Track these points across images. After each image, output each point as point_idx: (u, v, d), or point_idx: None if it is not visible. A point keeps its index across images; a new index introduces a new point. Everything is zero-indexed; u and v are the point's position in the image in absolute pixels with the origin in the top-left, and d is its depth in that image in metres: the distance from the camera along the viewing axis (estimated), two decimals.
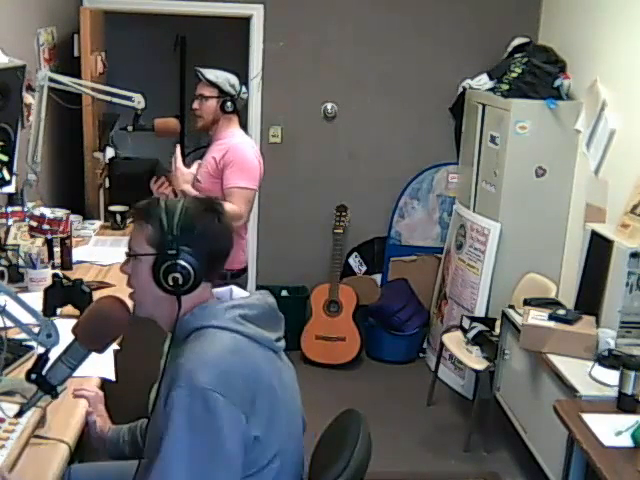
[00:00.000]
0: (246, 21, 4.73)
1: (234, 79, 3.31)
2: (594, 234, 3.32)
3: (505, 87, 4.14)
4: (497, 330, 3.71)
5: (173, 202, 1.66)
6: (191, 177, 3.26)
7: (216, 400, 1.47)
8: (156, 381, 1.65)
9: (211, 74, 3.28)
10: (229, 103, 3.26)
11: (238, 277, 3.33)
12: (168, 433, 1.48)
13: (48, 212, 3.10)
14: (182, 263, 1.59)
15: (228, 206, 3.17)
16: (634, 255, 3.02)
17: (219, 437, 1.48)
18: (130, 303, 1.71)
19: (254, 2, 4.62)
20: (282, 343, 1.72)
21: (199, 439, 1.48)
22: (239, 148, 3.25)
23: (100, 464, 2.08)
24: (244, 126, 4.27)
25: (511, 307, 3.61)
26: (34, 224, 3.04)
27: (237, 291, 1.76)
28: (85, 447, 2.64)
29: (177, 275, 1.59)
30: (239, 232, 3.32)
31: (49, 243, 3.06)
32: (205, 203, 1.68)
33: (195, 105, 3.32)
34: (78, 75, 3.82)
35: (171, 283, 1.60)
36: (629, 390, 2.57)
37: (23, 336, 1.77)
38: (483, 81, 4.47)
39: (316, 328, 4.60)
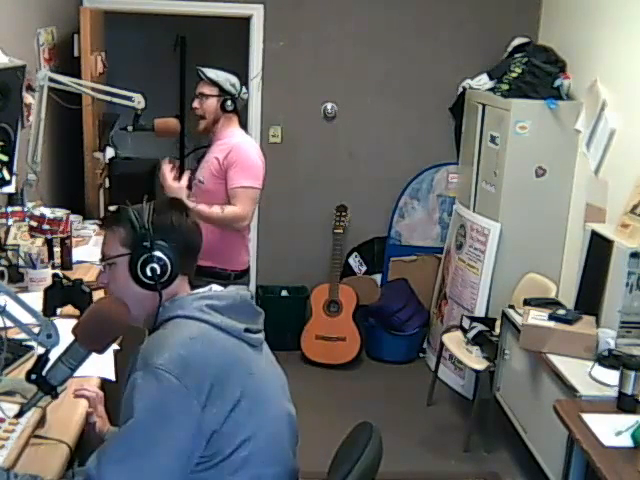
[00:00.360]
0: (246, 21, 4.73)
1: (234, 79, 3.31)
2: (594, 234, 3.32)
3: (505, 87, 4.14)
4: (497, 330, 3.71)
5: (139, 205, 1.70)
6: (183, 191, 3.15)
7: (169, 381, 1.48)
8: None
9: (212, 73, 3.28)
10: (229, 102, 3.26)
11: (241, 278, 3.32)
12: (125, 412, 1.51)
13: (48, 212, 3.10)
14: (158, 254, 1.63)
15: (230, 209, 3.17)
16: (634, 255, 3.02)
17: (168, 420, 1.49)
18: None
19: (254, 2, 4.62)
20: (258, 336, 1.71)
21: (151, 418, 1.48)
22: (242, 147, 3.24)
23: None
24: (244, 126, 4.27)
25: (511, 307, 3.61)
26: (34, 224, 3.04)
27: (215, 287, 1.78)
28: (85, 447, 2.64)
29: (154, 265, 1.62)
30: (242, 233, 3.32)
31: (49, 243, 3.05)
32: (169, 202, 1.77)
33: (195, 104, 3.31)
34: (78, 75, 3.82)
35: (149, 274, 1.62)
36: (629, 390, 2.57)
37: (23, 336, 1.77)
38: (483, 81, 4.47)
39: (316, 328, 4.60)
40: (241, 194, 3.17)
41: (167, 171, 3.18)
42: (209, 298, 1.66)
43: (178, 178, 3.19)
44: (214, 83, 3.26)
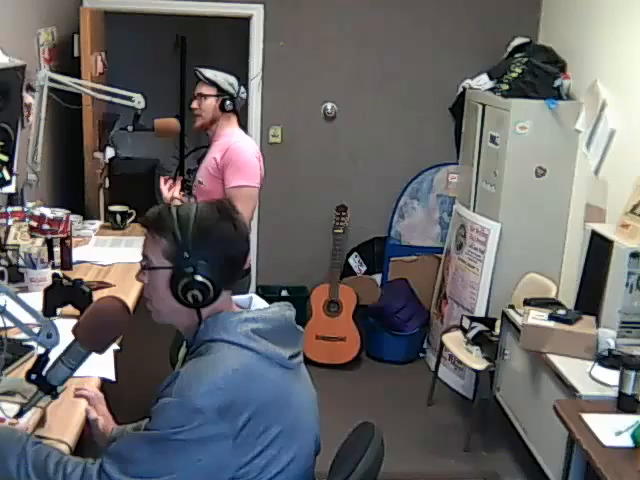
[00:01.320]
0: (246, 21, 4.73)
1: (232, 78, 3.32)
2: (594, 234, 3.32)
3: (505, 87, 4.14)
4: (497, 330, 3.71)
5: (185, 211, 1.60)
6: (178, 202, 3.21)
7: (203, 417, 1.44)
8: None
9: (210, 73, 3.29)
10: (228, 102, 3.26)
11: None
12: (153, 428, 1.47)
13: (48, 212, 3.10)
14: (200, 279, 1.55)
15: None
16: (634, 255, 3.02)
17: (195, 452, 1.45)
18: (130, 304, 1.70)
19: (254, 2, 4.62)
20: (299, 359, 1.67)
21: (173, 450, 1.45)
22: (237, 147, 3.25)
23: None
24: (244, 126, 4.27)
25: (511, 307, 3.61)
26: (34, 224, 3.04)
27: (256, 300, 1.72)
28: (85, 447, 2.64)
29: (196, 292, 1.56)
30: None
31: (49, 243, 3.05)
32: (219, 209, 1.62)
33: (194, 104, 3.32)
34: (78, 75, 3.82)
35: (191, 300, 1.57)
36: (629, 390, 2.57)
37: (23, 336, 1.76)
38: (483, 81, 4.47)
39: (316, 328, 4.60)
40: (237, 194, 3.17)
41: (162, 186, 3.28)
42: (254, 321, 1.59)
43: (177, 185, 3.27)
44: (212, 83, 3.26)
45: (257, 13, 4.63)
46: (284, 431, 1.54)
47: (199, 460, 1.45)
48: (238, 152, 3.22)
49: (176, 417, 1.45)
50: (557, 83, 4.06)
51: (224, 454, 1.47)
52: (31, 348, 2.13)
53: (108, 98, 3.52)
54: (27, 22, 3.54)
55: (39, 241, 3.01)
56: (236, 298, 1.71)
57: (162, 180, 3.34)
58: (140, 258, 1.65)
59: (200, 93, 3.29)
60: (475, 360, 3.69)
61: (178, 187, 3.31)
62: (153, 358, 3.56)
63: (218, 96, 3.27)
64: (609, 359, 2.89)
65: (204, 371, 1.50)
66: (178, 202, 3.18)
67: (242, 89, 3.35)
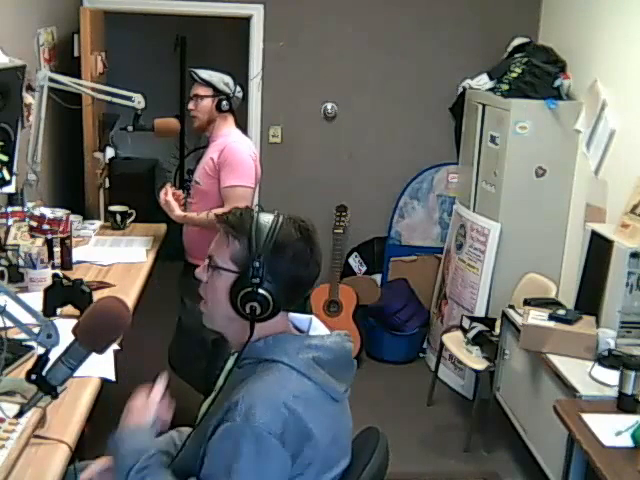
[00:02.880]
0: (246, 21, 4.73)
1: (228, 78, 3.32)
2: (594, 234, 3.32)
3: (505, 87, 4.14)
4: (497, 330, 3.71)
5: (266, 219, 1.56)
6: (171, 205, 3.27)
7: (269, 443, 1.42)
8: (209, 395, 1.62)
9: (205, 73, 3.29)
10: (224, 102, 3.27)
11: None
12: (214, 463, 1.45)
13: (48, 212, 3.10)
14: (263, 293, 1.51)
15: (218, 212, 3.16)
16: (634, 255, 3.02)
17: (264, 477, 1.43)
18: (131, 304, 1.70)
19: (254, 2, 4.62)
20: (348, 392, 1.65)
21: (244, 476, 1.43)
22: (233, 147, 3.25)
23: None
24: (244, 126, 4.27)
25: (511, 307, 3.61)
26: (34, 224, 3.04)
27: (316, 324, 1.68)
28: (85, 447, 2.64)
29: (255, 305, 1.52)
30: None
31: (49, 243, 3.05)
32: (300, 228, 1.57)
33: (190, 106, 3.33)
34: (78, 75, 3.82)
35: (247, 311, 1.53)
36: (629, 390, 2.57)
37: (23, 336, 1.76)
38: (483, 81, 4.47)
39: None
40: (231, 194, 3.18)
41: (162, 195, 3.32)
42: (316, 349, 1.56)
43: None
44: (208, 84, 3.27)
45: (257, 13, 4.63)
46: (329, 463, 1.54)
47: None
48: (234, 152, 3.23)
49: (243, 443, 1.42)
50: (557, 83, 4.06)
51: (286, 476, 1.46)
52: (31, 348, 2.13)
53: (108, 98, 3.52)
54: (27, 22, 3.54)
55: (39, 241, 3.01)
56: (293, 316, 1.68)
57: (162, 194, 3.34)
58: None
59: (196, 94, 3.29)
60: (475, 360, 3.69)
61: (170, 195, 3.32)
62: (153, 358, 3.56)
63: (214, 96, 3.27)
64: (609, 359, 2.89)
65: (268, 395, 1.47)
66: (175, 206, 3.22)
67: (238, 88, 3.35)
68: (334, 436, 1.55)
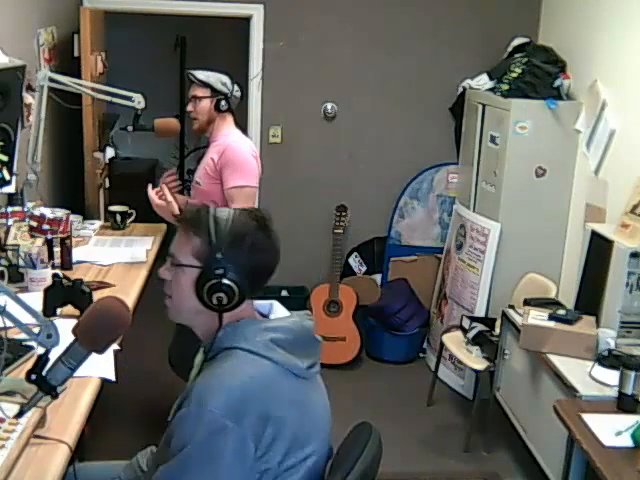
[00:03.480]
0: (246, 21, 4.73)
1: (225, 78, 3.31)
2: (594, 234, 3.32)
3: (505, 87, 4.14)
4: (497, 330, 3.71)
5: (223, 213, 1.61)
6: (172, 206, 3.18)
7: (223, 426, 1.44)
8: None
9: (202, 74, 3.28)
10: (223, 102, 3.27)
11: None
12: (171, 450, 1.48)
13: (48, 212, 3.10)
14: (227, 282, 1.56)
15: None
16: (634, 255, 3.02)
17: (218, 463, 1.44)
18: (131, 304, 1.70)
19: (254, 2, 4.62)
20: (316, 369, 1.67)
21: (199, 460, 1.45)
22: (234, 147, 3.24)
23: (104, 463, 2.07)
24: (244, 126, 4.27)
25: (511, 307, 3.61)
26: (34, 224, 3.04)
27: (276, 307, 1.72)
28: (85, 447, 2.64)
29: (221, 295, 1.56)
30: None
31: (49, 243, 3.05)
32: (256, 217, 1.63)
33: (189, 107, 3.32)
34: (78, 75, 3.82)
35: (215, 302, 1.57)
36: (629, 390, 2.57)
37: (23, 336, 1.76)
38: (483, 81, 4.47)
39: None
40: (237, 194, 3.17)
41: (151, 194, 3.21)
42: (274, 331, 1.59)
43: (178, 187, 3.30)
44: (205, 84, 3.26)
45: (257, 13, 4.63)
46: (300, 440, 1.55)
47: (224, 469, 1.44)
48: (235, 152, 3.22)
49: (196, 428, 1.45)
50: (557, 83, 4.06)
51: (247, 460, 1.46)
52: (31, 348, 2.13)
53: (108, 98, 3.52)
54: (27, 22, 3.54)
55: (39, 241, 3.01)
56: (256, 303, 1.71)
57: (150, 191, 3.24)
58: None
59: (194, 95, 3.29)
60: (475, 360, 3.69)
61: (169, 196, 3.28)
62: (153, 358, 3.56)
63: (212, 97, 3.27)
64: (609, 359, 2.89)
65: (221, 379, 1.51)
66: (174, 207, 3.19)
67: (236, 87, 3.34)
68: (301, 413, 1.57)
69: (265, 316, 1.71)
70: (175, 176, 3.40)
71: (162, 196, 3.20)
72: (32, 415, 1.77)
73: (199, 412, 1.46)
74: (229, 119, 3.34)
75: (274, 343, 1.57)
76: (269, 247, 1.63)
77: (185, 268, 1.60)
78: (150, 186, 3.26)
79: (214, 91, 3.26)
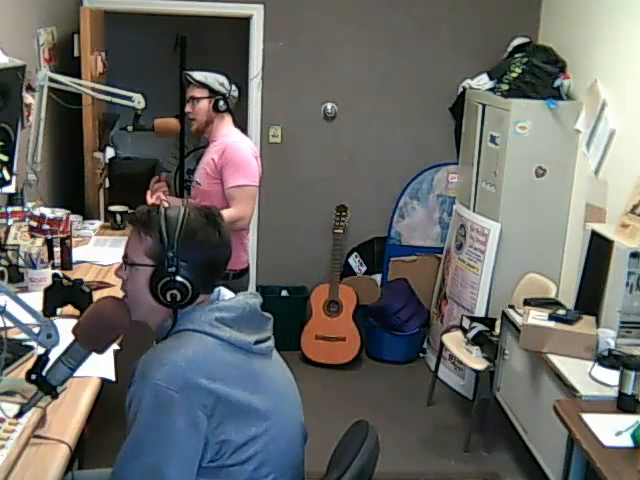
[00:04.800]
0: (246, 21, 4.73)
1: (222, 78, 3.31)
2: (594, 234, 3.32)
3: (505, 87, 4.14)
4: (497, 330, 3.71)
5: (174, 213, 1.64)
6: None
7: (169, 396, 1.47)
8: None
9: (199, 75, 3.29)
10: (221, 102, 3.27)
11: (240, 277, 3.33)
12: (128, 426, 1.51)
13: (48, 212, 3.10)
14: (180, 280, 1.59)
15: (230, 211, 3.16)
16: (634, 255, 3.02)
17: (169, 432, 1.47)
18: None
19: (254, 2, 4.62)
20: (267, 344, 1.69)
21: (150, 433, 1.48)
22: (235, 147, 3.25)
23: (102, 470, 2.07)
24: (244, 126, 4.27)
25: (511, 307, 3.61)
26: (34, 224, 3.04)
27: (224, 292, 1.75)
28: (85, 447, 2.64)
29: (175, 292, 1.60)
30: (240, 232, 3.32)
31: (49, 243, 3.06)
32: (206, 215, 1.66)
33: (188, 109, 3.33)
34: (78, 75, 3.82)
35: (169, 299, 1.60)
36: (629, 390, 2.57)
37: (23, 336, 1.77)
38: (483, 81, 4.47)
39: (316, 328, 4.60)
40: (237, 193, 3.17)
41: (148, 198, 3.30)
42: (218, 310, 1.63)
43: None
44: (203, 85, 3.26)
45: (257, 13, 4.63)
46: (254, 413, 1.57)
47: (178, 438, 1.47)
48: (236, 152, 3.22)
49: (142, 400, 1.49)
50: (557, 83, 4.06)
51: (199, 429, 1.49)
52: (31, 348, 2.13)
53: (108, 98, 3.52)
54: (27, 22, 3.54)
55: (39, 241, 3.01)
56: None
57: (154, 180, 3.37)
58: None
59: (192, 96, 3.29)
60: (475, 360, 3.69)
61: (163, 188, 3.33)
62: None
63: (210, 97, 3.27)
64: (609, 359, 2.89)
65: (165, 353, 1.54)
66: (166, 204, 3.21)
67: (233, 87, 3.34)
68: (254, 387, 1.60)
69: (212, 301, 1.73)
70: (162, 182, 3.40)
71: (157, 199, 3.25)
72: (32, 415, 1.77)
73: (143, 385, 1.49)
74: (228, 119, 3.34)
75: (219, 322, 1.61)
76: (220, 243, 1.66)
77: (139, 267, 1.63)
78: (149, 193, 3.33)
79: (212, 91, 3.27)
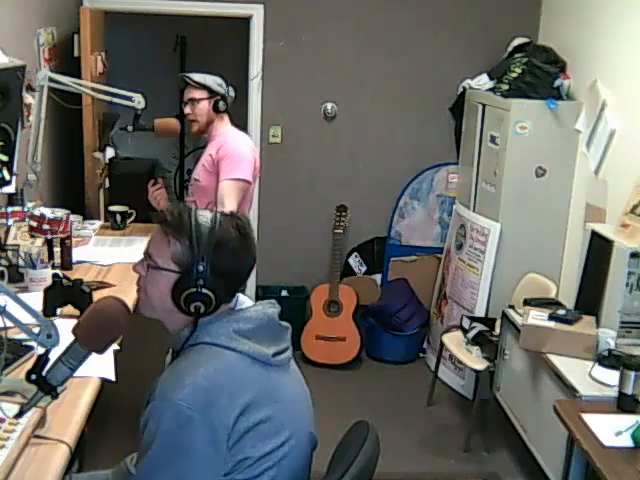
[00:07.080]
0: (246, 21, 4.73)
1: (220, 79, 3.37)
2: (594, 234, 3.32)
3: (505, 87, 4.14)
4: (497, 330, 3.71)
5: (204, 219, 1.58)
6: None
7: (189, 417, 1.45)
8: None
9: (198, 76, 3.32)
10: (221, 102, 3.30)
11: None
12: (144, 445, 1.49)
13: (48, 212, 3.10)
14: (206, 292, 1.56)
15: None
16: (634, 255, 3.02)
17: (189, 454, 1.45)
18: (130, 304, 1.70)
19: (254, 2, 4.62)
20: (286, 355, 1.66)
21: (169, 454, 1.46)
22: (232, 142, 3.30)
23: (100, 473, 2.07)
24: (244, 126, 4.27)
25: (511, 307, 3.61)
26: (34, 224, 3.04)
27: (242, 299, 1.71)
28: (85, 447, 2.64)
29: (199, 304, 1.57)
30: None
31: (49, 243, 3.05)
32: (237, 225, 1.61)
33: (187, 110, 3.34)
34: (78, 75, 3.82)
35: (192, 310, 1.58)
36: (629, 390, 2.57)
37: (23, 336, 1.76)
38: (483, 81, 4.47)
39: (316, 328, 4.60)
40: (226, 186, 3.19)
41: (149, 188, 3.38)
42: (236, 322, 1.59)
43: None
44: (202, 86, 3.29)
45: (257, 13, 4.63)
46: (272, 427, 1.56)
47: (197, 459, 1.46)
48: (233, 146, 3.27)
49: (162, 422, 1.46)
50: (557, 83, 4.06)
51: (220, 449, 1.48)
52: (31, 348, 2.13)
53: (108, 98, 3.51)
54: (27, 22, 3.54)
55: (39, 241, 3.01)
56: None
57: (151, 183, 3.41)
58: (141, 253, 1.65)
59: (192, 98, 3.31)
60: (475, 360, 3.69)
61: (164, 194, 3.37)
62: (153, 358, 3.56)
63: (210, 98, 3.29)
64: (609, 359, 2.89)
65: (185, 372, 1.51)
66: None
67: (230, 88, 3.39)
68: (272, 401, 1.57)
69: (231, 309, 1.70)
70: (161, 186, 3.41)
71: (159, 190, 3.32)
72: (32, 415, 1.77)
73: (164, 406, 1.47)
74: (226, 119, 3.38)
75: (237, 334, 1.58)
76: (249, 254, 1.63)
77: (163, 271, 1.59)
78: (150, 198, 3.38)
79: (211, 92, 3.29)
